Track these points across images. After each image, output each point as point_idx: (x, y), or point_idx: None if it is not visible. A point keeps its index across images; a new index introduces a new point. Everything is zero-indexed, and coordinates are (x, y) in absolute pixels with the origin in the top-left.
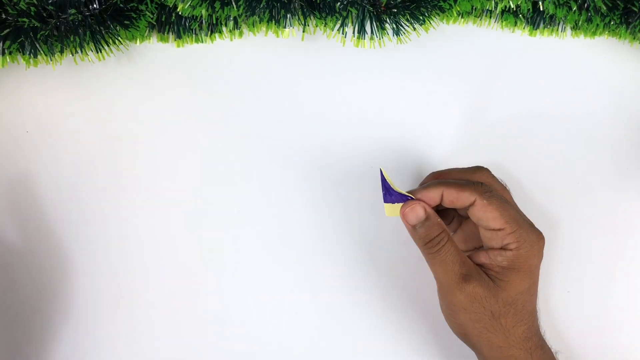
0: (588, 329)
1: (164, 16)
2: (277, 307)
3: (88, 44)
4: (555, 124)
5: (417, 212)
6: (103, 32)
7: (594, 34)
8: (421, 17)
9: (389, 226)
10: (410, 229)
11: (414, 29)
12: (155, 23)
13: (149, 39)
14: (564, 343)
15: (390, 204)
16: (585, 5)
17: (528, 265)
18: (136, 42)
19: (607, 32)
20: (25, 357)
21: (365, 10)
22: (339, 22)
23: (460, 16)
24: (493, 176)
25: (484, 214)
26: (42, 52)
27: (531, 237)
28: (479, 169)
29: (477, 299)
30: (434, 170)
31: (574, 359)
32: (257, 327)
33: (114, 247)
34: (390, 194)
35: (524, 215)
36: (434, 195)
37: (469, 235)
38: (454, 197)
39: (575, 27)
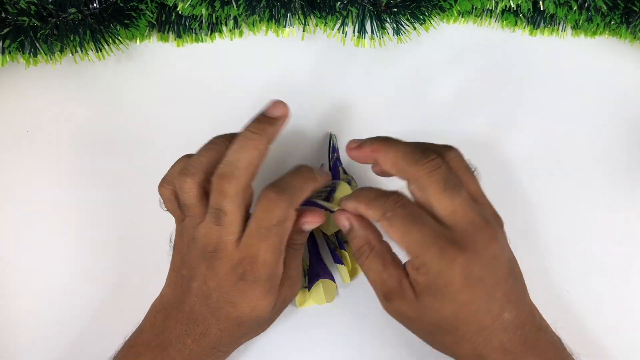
0: (588, 329)
1: (164, 15)
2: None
3: (88, 43)
4: (555, 124)
5: (342, 221)
6: (103, 31)
7: (594, 33)
8: (421, 17)
9: None
10: (346, 235)
11: (414, 28)
12: (155, 22)
13: (149, 38)
14: (564, 342)
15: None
16: (586, 4)
17: (443, 293)
18: (136, 42)
19: (607, 32)
20: (25, 356)
21: (366, 10)
22: (339, 21)
23: (460, 16)
24: (460, 158)
25: (389, 234)
26: (42, 51)
27: (441, 263)
28: (446, 148)
29: (404, 317)
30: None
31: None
32: None
33: (114, 247)
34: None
35: (460, 224)
36: (351, 208)
37: None
38: (364, 213)
39: (576, 27)
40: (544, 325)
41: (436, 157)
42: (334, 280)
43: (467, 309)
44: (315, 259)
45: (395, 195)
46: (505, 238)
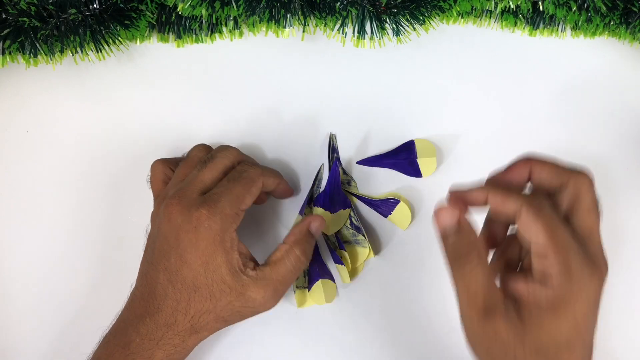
0: None
1: (164, 16)
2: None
3: (88, 43)
4: (555, 124)
5: (445, 218)
6: (103, 32)
7: (593, 34)
8: (421, 17)
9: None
10: (440, 234)
11: (414, 29)
12: (155, 23)
13: (149, 39)
14: None
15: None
16: (585, 5)
17: (572, 309)
18: (136, 42)
19: (607, 32)
20: (24, 356)
21: (365, 10)
22: (339, 22)
23: (460, 16)
24: (590, 187)
25: (528, 230)
26: (42, 51)
27: (582, 272)
28: (576, 173)
29: (498, 339)
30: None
31: None
32: (258, 326)
33: (114, 246)
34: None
35: (594, 246)
36: (478, 196)
37: (511, 257)
38: (499, 203)
39: (575, 27)
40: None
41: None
42: (333, 280)
43: (581, 340)
44: (315, 259)
45: (536, 191)
46: None
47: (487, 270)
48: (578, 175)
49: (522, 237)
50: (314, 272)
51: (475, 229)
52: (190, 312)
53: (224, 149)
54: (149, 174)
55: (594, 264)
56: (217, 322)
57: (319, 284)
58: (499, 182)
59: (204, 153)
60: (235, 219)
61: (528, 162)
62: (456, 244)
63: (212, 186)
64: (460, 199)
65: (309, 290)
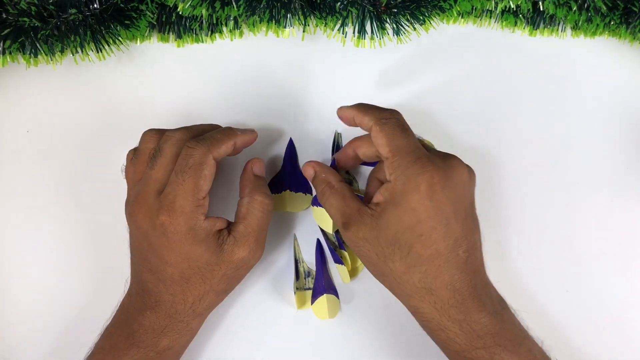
0: (587, 329)
1: (164, 16)
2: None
3: (88, 43)
4: (555, 124)
5: (307, 171)
6: (103, 31)
7: (594, 34)
8: (421, 17)
9: None
10: (312, 183)
11: (414, 29)
12: (155, 23)
13: (150, 38)
14: (564, 343)
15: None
16: (585, 5)
17: (407, 200)
18: (137, 42)
19: (607, 32)
20: (24, 356)
21: (366, 10)
22: (339, 22)
23: (460, 16)
24: (398, 119)
25: (376, 140)
26: (42, 51)
27: (412, 169)
28: (386, 111)
29: (359, 243)
30: None
31: (574, 359)
32: (258, 327)
33: (114, 246)
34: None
35: (419, 150)
36: (348, 114)
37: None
38: (359, 120)
39: (575, 27)
40: (490, 283)
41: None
42: (338, 296)
43: (426, 224)
44: (321, 274)
45: (392, 109)
46: (473, 188)
47: (338, 194)
48: (375, 117)
49: (377, 148)
50: (320, 285)
51: (325, 170)
52: (188, 300)
53: (169, 137)
54: (124, 163)
55: (433, 161)
56: (217, 296)
57: (323, 299)
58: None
59: (154, 143)
60: (197, 210)
61: (354, 108)
62: (316, 186)
63: (166, 181)
64: (340, 116)
65: (312, 304)
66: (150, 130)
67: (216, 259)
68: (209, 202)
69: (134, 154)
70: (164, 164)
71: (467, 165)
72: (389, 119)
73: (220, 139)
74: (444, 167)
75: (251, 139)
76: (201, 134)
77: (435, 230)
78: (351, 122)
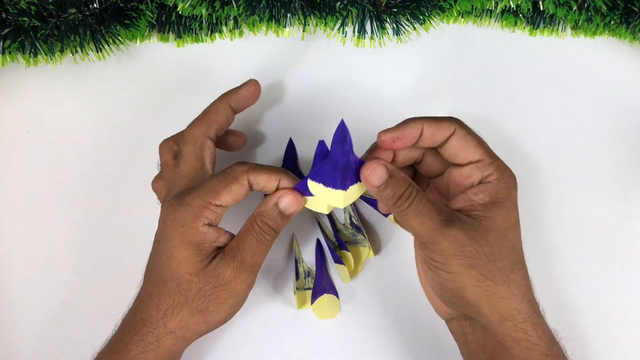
0: (588, 329)
1: (164, 16)
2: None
3: (88, 43)
4: (555, 124)
5: (378, 172)
6: (103, 31)
7: (594, 33)
8: (421, 17)
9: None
10: (377, 192)
11: (414, 28)
12: (155, 23)
13: (149, 38)
14: (564, 342)
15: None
16: (586, 5)
17: (511, 197)
18: (136, 42)
19: (607, 32)
20: (23, 356)
21: (366, 10)
22: (339, 21)
23: (460, 16)
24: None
25: (465, 143)
26: (42, 51)
27: (508, 171)
28: (454, 118)
29: (465, 242)
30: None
31: (574, 358)
32: (259, 326)
33: (115, 246)
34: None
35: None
36: (413, 130)
37: (441, 191)
38: (434, 129)
39: (576, 27)
40: None
41: None
42: (338, 296)
43: (519, 224)
44: (321, 274)
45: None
46: None
47: (424, 195)
48: (456, 121)
49: (456, 152)
50: (319, 285)
51: (398, 168)
52: (162, 307)
53: (185, 136)
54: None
55: (507, 166)
56: (191, 315)
57: (322, 299)
58: (395, 136)
59: (172, 152)
60: (204, 211)
61: (419, 121)
62: (394, 188)
63: (192, 176)
64: (398, 138)
65: (312, 304)
66: (164, 141)
67: (196, 270)
68: (223, 215)
69: (158, 172)
70: (187, 162)
71: None
72: (465, 125)
73: (210, 111)
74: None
75: (249, 93)
76: (213, 123)
77: (520, 231)
78: (414, 140)
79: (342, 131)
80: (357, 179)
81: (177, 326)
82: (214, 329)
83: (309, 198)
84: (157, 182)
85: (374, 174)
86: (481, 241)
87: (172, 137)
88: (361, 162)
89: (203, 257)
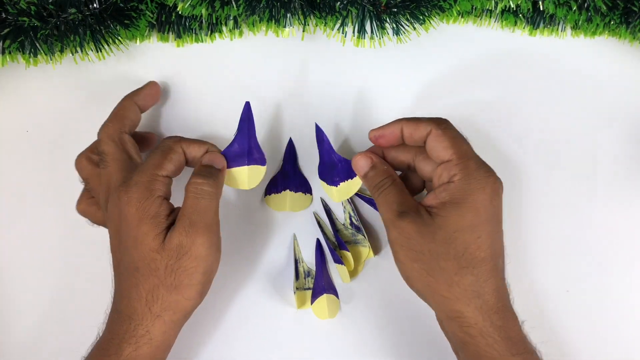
0: (587, 329)
1: (164, 16)
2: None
3: (88, 43)
4: (555, 124)
5: (363, 161)
6: (103, 31)
7: (594, 33)
8: (421, 17)
9: None
10: (362, 179)
11: (414, 28)
12: (155, 22)
13: (149, 38)
14: (564, 342)
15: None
16: (585, 4)
17: (472, 199)
18: (136, 42)
19: (607, 32)
20: (24, 356)
21: (365, 10)
22: (339, 21)
23: (460, 16)
24: (454, 127)
25: (437, 143)
26: (42, 51)
27: (478, 172)
28: (440, 119)
29: (412, 236)
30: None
31: (573, 358)
32: (259, 326)
33: None
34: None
35: (478, 156)
36: (394, 130)
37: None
38: (413, 129)
39: (575, 27)
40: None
41: None
42: (337, 296)
43: (484, 226)
44: (321, 273)
45: (443, 118)
46: None
47: (400, 187)
48: (433, 123)
49: (431, 152)
50: (319, 285)
51: (383, 162)
52: (142, 294)
53: (101, 139)
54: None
55: (488, 169)
56: (169, 293)
57: (322, 299)
58: (382, 135)
59: (92, 161)
60: (153, 184)
61: (400, 121)
62: (374, 177)
63: (121, 170)
64: (380, 136)
65: (312, 304)
66: (79, 156)
67: (157, 245)
68: (171, 186)
69: (83, 189)
70: (114, 158)
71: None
72: (447, 125)
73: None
74: (492, 170)
75: (152, 92)
76: (125, 119)
77: (490, 234)
78: (395, 138)
79: (317, 133)
80: (347, 176)
81: (161, 308)
82: (199, 303)
83: (231, 170)
84: (83, 202)
85: (359, 163)
86: (427, 237)
87: (85, 150)
88: (347, 161)
89: (160, 229)
